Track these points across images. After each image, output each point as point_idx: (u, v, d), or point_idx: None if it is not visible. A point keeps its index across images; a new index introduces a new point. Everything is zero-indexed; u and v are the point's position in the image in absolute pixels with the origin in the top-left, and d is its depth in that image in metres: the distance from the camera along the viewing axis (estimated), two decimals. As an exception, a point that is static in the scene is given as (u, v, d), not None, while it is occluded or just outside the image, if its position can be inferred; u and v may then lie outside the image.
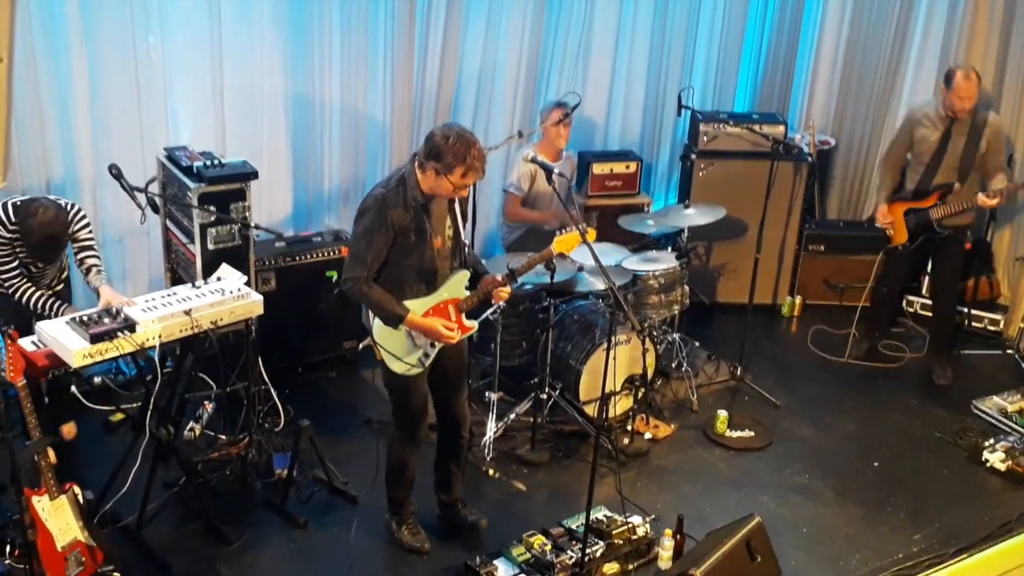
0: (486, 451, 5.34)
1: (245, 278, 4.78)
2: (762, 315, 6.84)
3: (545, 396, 5.53)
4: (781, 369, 6.44)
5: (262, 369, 5.13)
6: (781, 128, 6.77)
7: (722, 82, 7.52)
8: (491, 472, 5.27)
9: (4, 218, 4.53)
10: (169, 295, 4.51)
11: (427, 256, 4.21)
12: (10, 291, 4.61)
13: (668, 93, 7.19)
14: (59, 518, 4.04)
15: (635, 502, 4.90)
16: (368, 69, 6.05)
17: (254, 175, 5.23)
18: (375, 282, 4.19)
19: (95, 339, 4.08)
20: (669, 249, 6.20)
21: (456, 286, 4.37)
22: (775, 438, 5.71)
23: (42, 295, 4.65)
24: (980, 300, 7.03)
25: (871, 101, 7.44)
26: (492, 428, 5.42)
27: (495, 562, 4.52)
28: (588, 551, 4.47)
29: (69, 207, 4.63)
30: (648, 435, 5.63)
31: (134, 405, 4.97)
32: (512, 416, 5.58)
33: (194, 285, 4.62)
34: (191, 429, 5.31)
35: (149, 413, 4.38)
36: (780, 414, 5.96)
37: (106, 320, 4.17)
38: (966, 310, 6.91)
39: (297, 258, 5.76)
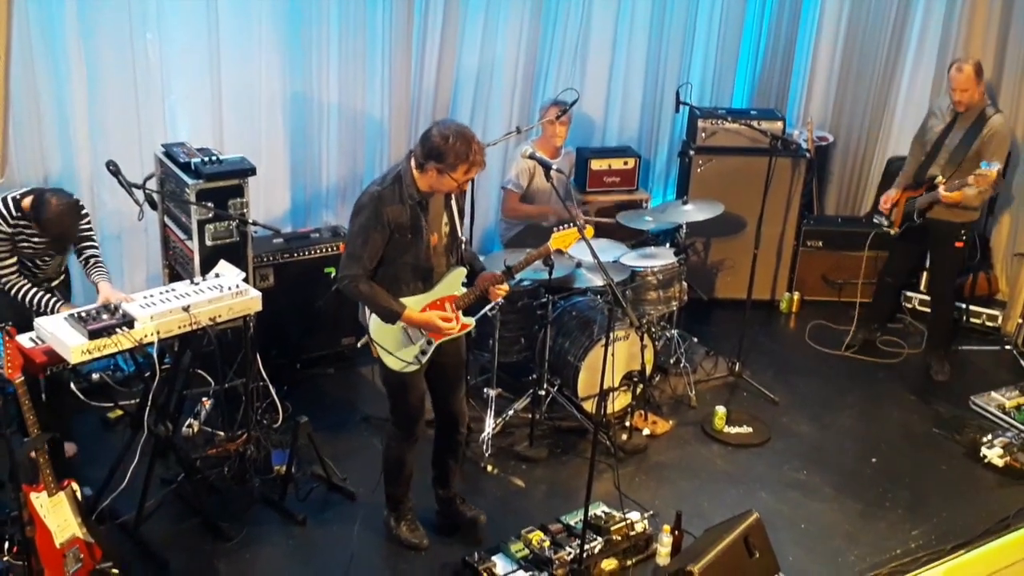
0: (484, 447, 5.34)
1: (243, 274, 4.78)
2: (760, 311, 6.85)
3: (543, 392, 5.54)
4: (779, 365, 6.44)
5: (260, 365, 5.13)
6: (779, 124, 6.77)
7: (720, 78, 7.52)
8: (489, 468, 5.27)
9: (5, 212, 4.52)
10: (167, 291, 4.51)
11: (423, 253, 4.21)
12: (6, 287, 4.60)
13: (666, 89, 7.19)
14: (57, 515, 4.04)
15: (633, 498, 4.91)
16: (366, 67, 6.04)
17: (252, 171, 5.23)
18: (371, 280, 4.19)
19: (93, 335, 4.08)
20: (667, 245, 6.20)
21: (453, 283, 4.37)
22: (773, 434, 5.71)
23: (38, 291, 4.64)
24: (978, 296, 7.03)
25: (869, 97, 7.44)
26: (490, 424, 5.43)
27: (493, 558, 4.52)
28: (586, 547, 4.47)
29: (71, 196, 4.62)
30: (646, 431, 5.63)
31: (132, 402, 4.98)
32: (510, 412, 5.58)
33: (192, 281, 4.62)
34: (189, 425, 5.32)
35: (147, 409, 4.39)
36: (778, 410, 5.96)
37: (104, 316, 4.17)
38: (964, 306, 6.91)
39: (295, 254, 5.77)
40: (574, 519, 4.69)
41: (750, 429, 5.72)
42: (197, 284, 4.58)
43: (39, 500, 3.98)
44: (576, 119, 6.35)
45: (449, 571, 4.58)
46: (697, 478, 5.34)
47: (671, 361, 6.18)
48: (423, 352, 4.34)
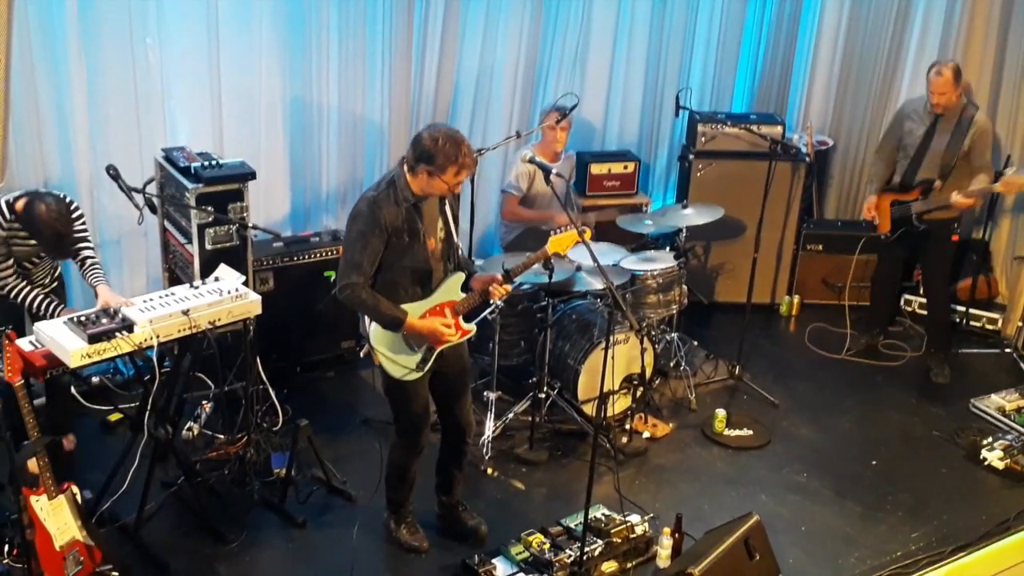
0: (485, 450, 5.34)
1: (243, 278, 4.79)
2: (760, 314, 6.84)
3: (543, 395, 5.54)
4: (779, 368, 6.44)
5: (260, 369, 5.13)
6: (779, 128, 6.78)
7: (720, 82, 7.54)
8: (490, 471, 5.27)
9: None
10: (167, 295, 4.52)
11: (421, 256, 4.20)
12: (5, 290, 4.60)
13: (666, 94, 7.20)
14: (57, 518, 4.04)
15: (633, 501, 4.91)
16: (366, 71, 6.05)
17: (252, 176, 5.25)
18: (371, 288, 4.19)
19: (93, 339, 4.09)
20: (667, 249, 6.20)
21: (451, 289, 4.36)
22: (773, 437, 5.71)
23: (38, 294, 4.64)
24: (978, 299, 7.03)
25: (869, 101, 7.45)
26: (491, 427, 5.43)
27: (493, 561, 4.52)
28: (586, 550, 4.47)
29: (65, 199, 4.61)
30: (646, 434, 5.63)
31: (132, 405, 4.97)
32: (511, 415, 5.58)
33: (192, 285, 4.62)
34: (189, 429, 5.32)
35: (147, 413, 4.39)
36: (778, 413, 5.96)
37: (104, 320, 4.18)
38: (965, 309, 6.91)
39: (295, 258, 5.77)
40: (574, 522, 4.69)
41: (750, 432, 5.72)
42: (197, 288, 4.59)
43: (39, 503, 3.99)
44: (576, 123, 6.36)
45: (449, 574, 4.58)
46: (697, 481, 5.34)
47: (671, 364, 6.18)
48: (425, 360, 4.33)
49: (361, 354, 4.52)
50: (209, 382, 5.42)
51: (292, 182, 6.12)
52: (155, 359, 4.34)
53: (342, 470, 5.13)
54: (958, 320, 6.89)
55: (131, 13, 5.27)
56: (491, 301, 4.58)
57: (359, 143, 6.22)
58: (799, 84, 7.72)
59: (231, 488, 4.93)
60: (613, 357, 4.85)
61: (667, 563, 4.62)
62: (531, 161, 4.83)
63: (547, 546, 4.54)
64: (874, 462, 5.55)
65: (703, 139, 6.82)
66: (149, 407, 4.38)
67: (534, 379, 5.56)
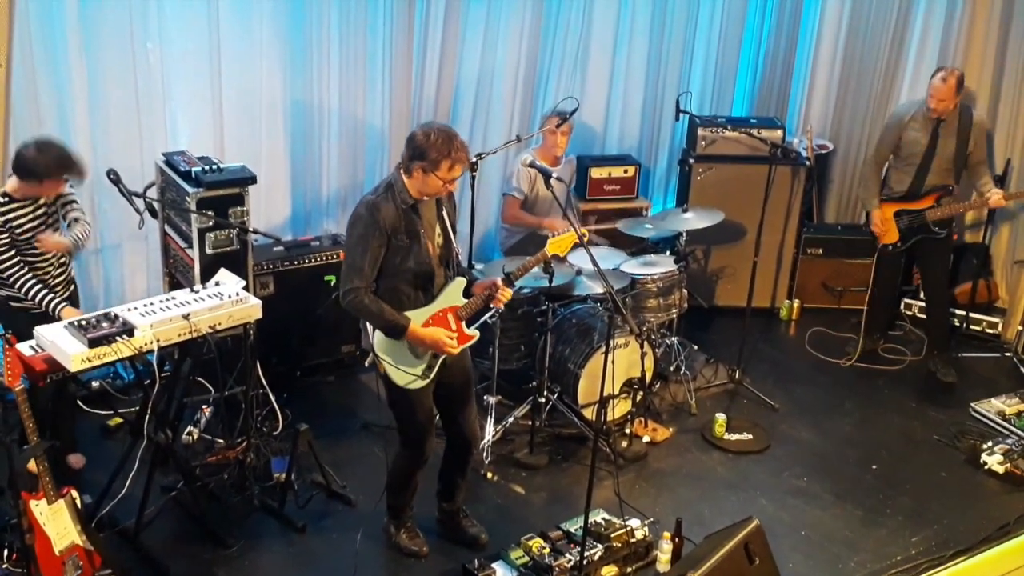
0: (484, 454, 5.34)
1: (243, 282, 4.78)
2: (760, 318, 6.84)
3: (543, 400, 5.54)
4: (779, 372, 6.44)
5: (260, 373, 5.13)
6: (779, 132, 6.78)
7: (720, 86, 7.53)
8: (489, 475, 5.27)
9: None
10: (167, 299, 4.51)
11: (422, 257, 4.19)
12: (9, 281, 4.57)
13: (666, 98, 7.20)
14: (57, 522, 4.04)
15: (633, 505, 4.90)
16: (367, 74, 6.05)
17: (252, 180, 5.25)
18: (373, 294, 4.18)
19: (93, 343, 4.08)
20: (667, 253, 6.20)
21: (453, 294, 4.35)
22: (773, 441, 5.71)
23: (41, 288, 4.62)
24: (979, 303, 7.03)
25: (869, 105, 7.45)
26: (490, 431, 5.42)
27: (493, 565, 4.51)
28: (586, 554, 4.47)
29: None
30: (646, 438, 5.63)
31: (132, 409, 4.98)
32: (511, 419, 5.58)
33: (192, 289, 4.62)
34: (189, 433, 5.31)
35: (147, 417, 4.39)
36: (778, 417, 5.96)
37: (104, 324, 4.17)
38: (964, 313, 6.91)
39: (295, 262, 5.77)
40: (574, 526, 4.68)
41: (750, 436, 5.72)
42: (197, 292, 4.59)
43: (39, 508, 3.99)
44: (576, 127, 6.35)
45: (448, 578, 4.59)
46: (697, 485, 5.34)
47: (671, 368, 6.18)
48: (430, 367, 4.32)
49: (366, 364, 4.50)
50: (209, 386, 5.43)
51: (293, 186, 6.12)
52: (155, 363, 4.34)
53: (342, 474, 5.12)
54: (958, 324, 6.88)
55: (132, 16, 5.29)
56: (492, 307, 4.58)
57: (360, 146, 6.23)
58: (799, 88, 7.71)
59: (231, 492, 4.92)
60: (613, 361, 4.84)
61: (667, 567, 4.62)
62: (531, 165, 4.84)
63: (547, 550, 4.54)
64: (874, 466, 5.55)
65: (703, 143, 6.83)
66: (149, 411, 4.37)
67: (534, 383, 5.56)
